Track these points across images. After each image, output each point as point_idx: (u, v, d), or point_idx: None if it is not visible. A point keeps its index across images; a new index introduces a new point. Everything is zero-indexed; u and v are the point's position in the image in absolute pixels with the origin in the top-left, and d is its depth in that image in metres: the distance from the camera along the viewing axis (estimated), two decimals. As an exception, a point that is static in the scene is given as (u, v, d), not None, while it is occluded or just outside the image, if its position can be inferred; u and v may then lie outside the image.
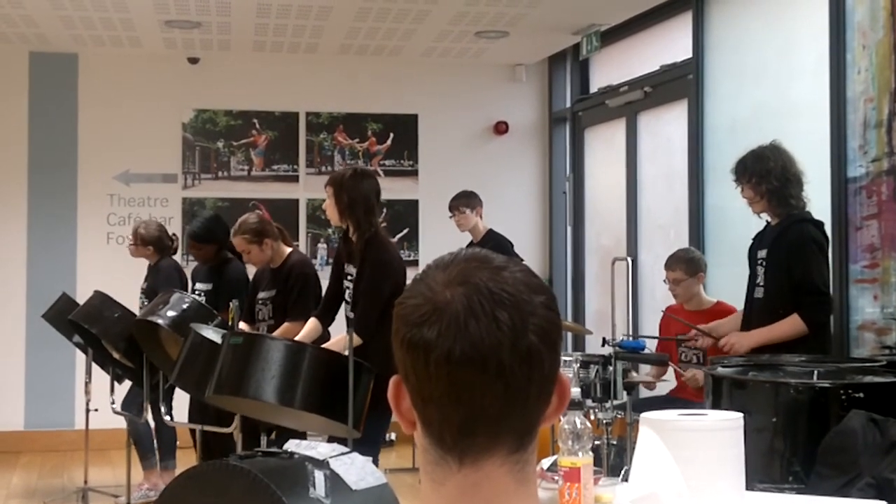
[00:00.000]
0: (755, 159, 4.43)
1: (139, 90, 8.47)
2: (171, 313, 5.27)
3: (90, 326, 5.87)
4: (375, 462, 4.38)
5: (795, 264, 4.31)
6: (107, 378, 6.19)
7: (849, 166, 5.18)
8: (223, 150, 8.63)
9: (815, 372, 3.51)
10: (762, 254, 4.47)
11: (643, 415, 2.44)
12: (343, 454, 3.21)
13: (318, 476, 3.06)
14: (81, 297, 6.40)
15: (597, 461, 2.85)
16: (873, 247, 5.03)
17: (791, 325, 4.26)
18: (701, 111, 6.69)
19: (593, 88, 8.57)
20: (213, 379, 4.19)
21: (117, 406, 6.17)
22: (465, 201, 7.04)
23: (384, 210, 8.73)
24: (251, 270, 5.89)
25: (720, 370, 3.62)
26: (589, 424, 2.27)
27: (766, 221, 4.57)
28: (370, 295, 4.58)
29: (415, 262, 8.40)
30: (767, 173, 4.37)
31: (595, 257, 8.47)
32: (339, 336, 4.60)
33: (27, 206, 8.30)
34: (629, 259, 5.87)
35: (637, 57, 7.77)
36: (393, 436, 8.25)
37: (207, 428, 5.29)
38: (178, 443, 6.55)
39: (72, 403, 8.03)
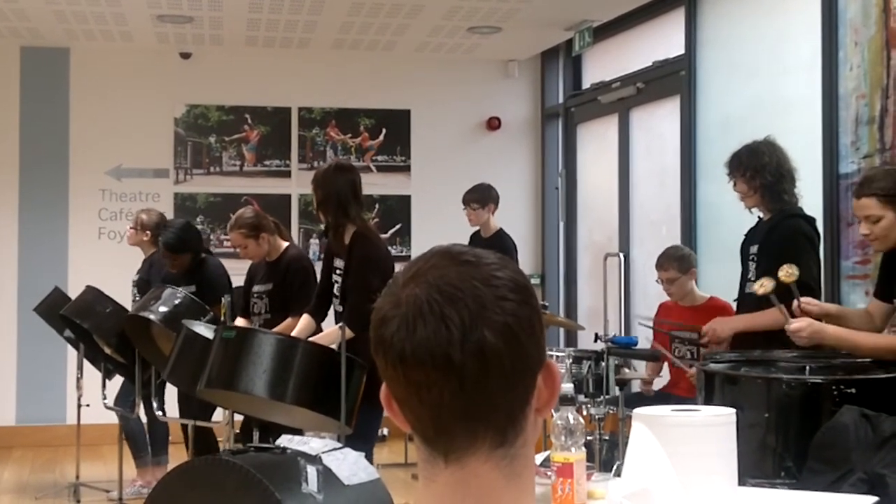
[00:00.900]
0: (750, 154, 4.43)
1: (131, 85, 8.45)
2: (162, 309, 5.27)
3: (82, 321, 5.86)
4: (369, 458, 4.38)
5: (786, 259, 4.31)
6: (98, 373, 6.18)
7: (841, 162, 5.19)
8: (215, 145, 8.62)
9: (808, 367, 3.51)
10: (754, 249, 4.47)
11: (635, 410, 2.44)
12: (335, 449, 3.21)
13: (311, 471, 3.06)
14: (73, 292, 6.38)
15: (589, 457, 2.85)
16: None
17: (774, 315, 4.25)
18: (693, 107, 6.70)
19: (586, 84, 8.57)
20: (205, 373, 4.19)
21: (109, 401, 6.16)
22: (477, 197, 6.97)
23: (376, 205, 8.74)
24: (242, 265, 5.88)
25: (712, 366, 3.63)
26: (581, 420, 2.27)
27: (759, 217, 4.57)
28: (359, 289, 4.59)
29: (407, 258, 8.39)
30: (762, 168, 4.37)
31: (587, 253, 8.47)
32: (330, 329, 4.60)
33: (18, 201, 8.28)
34: (621, 255, 5.90)
35: (629, 53, 7.78)
36: (385, 431, 8.25)
37: (199, 423, 5.29)
38: (170, 438, 6.54)
39: (63, 398, 8.01)
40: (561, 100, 8.87)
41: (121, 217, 8.28)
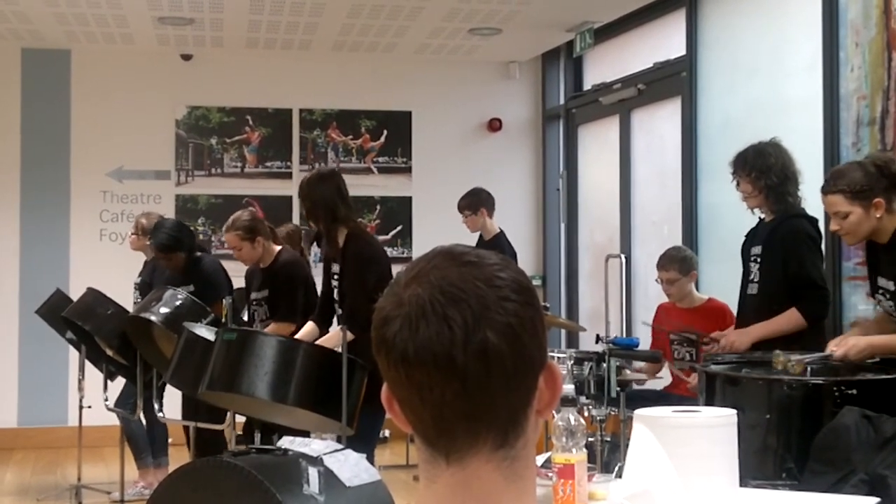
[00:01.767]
0: (756, 154, 4.43)
1: (132, 87, 8.46)
2: (164, 310, 5.27)
3: (83, 323, 5.86)
4: (371, 459, 4.38)
5: (790, 259, 4.32)
6: (100, 375, 6.18)
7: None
8: (216, 146, 8.62)
9: (809, 368, 3.51)
10: (756, 250, 4.47)
11: (637, 411, 2.44)
12: (337, 451, 3.21)
13: (312, 473, 3.06)
14: (74, 294, 6.39)
15: (591, 458, 2.85)
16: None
17: (789, 319, 4.26)
18: (694, 108, 6.70)
19: (587, 86, 8.57)
20: (207, 375, 4.19)
21: (111, 403, 6.17)
22: (467, 203, 6.97)
23: (377, 206, 8.74)
24: (242, 266, 5.89)
25: (713, 367, 3.63)
26: (583, 421, 2.27)
27: (760, 218, 4.57)
28: (355, 289, 4.60)
29: (408, 259, 8.39)
30: (768, 169, 4.37)
31: (588, 254, 8.47)
32: (333, 332, 4.61)
33: (20, 203, 8.29)
34: (623, 256, 5.90)
35: (630, 54, 7.78)
36: (387, 433, 8.25)
37: (201, 425, 5.29)
38: (170, 440, 6.55)
39: (65, 400, 8.02)
40: (562, 101, 8.87)
41: (122, 219, 8.29)
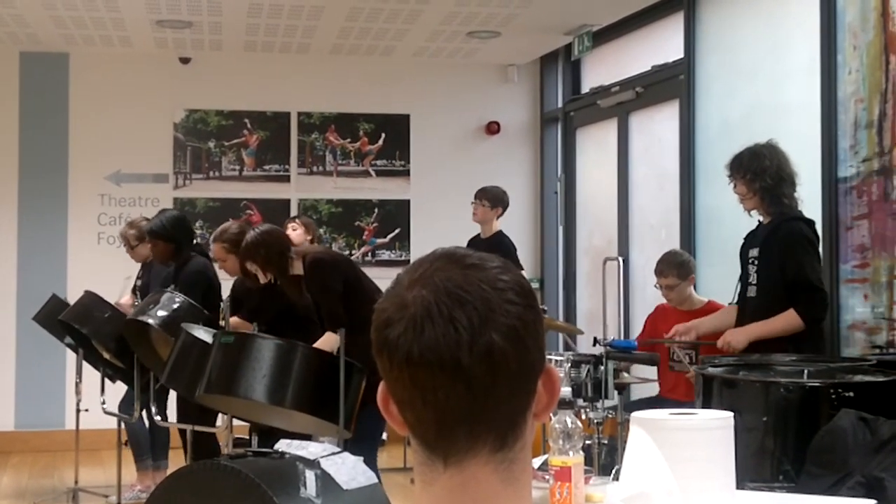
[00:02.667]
0: (751, 156, 4.44)
1: (130, 90, 8.46)
2: (161, 313, 5.26)
3: (80, 327, 5.85)
4: (373, 461, 4.39)
5: (788, 262, 4.32)
6: (98, 378, 6.18)
7: (839, 166, 5.19)
8: (214, 150, 8.62)
9: (806, 371, 3.51)
10: (754, 252, 4.47)
11: (634, 414, 2.44)
12: (334, 454, 3.21)
13: (310, 476, 3.06)
14: (72, 298, 6.38)
15: (588, 460, 2.85)
16: (864, 247, 5.04)
17: (786, 320, 4.26)
18: (692, 111, 6.70)
19: (585, 89, 8.58)
20: (204, 378, 4.19)
21: (108, 406, 6.16)
22: (490, 196, 6.98)
23: (375, 210, 8.75)
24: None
25: (710, 369, 3.63)
26: (580, 424, 2.27)
27: (758, 220, 4.57)
28: (322, 294, 4.76)
29: (405, 262, 8.39)
30: (762, 171, 4.38)
31: (586, 257, 8.47)
32: (327, 335, 4.63)
33: (17, 207, 8.28)
34: (620, 259, 5.90)
35: (629, 57, 7.78)
36: (384, 435, 8.23)
37: (198, 428, 5.28)
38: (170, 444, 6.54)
39: (62, 403, 8.01)
40: (560, 104, 8.87)
41: (120, 222, 8.27)
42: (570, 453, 2.21)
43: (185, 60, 8.51)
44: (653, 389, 5.66)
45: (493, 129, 8.97)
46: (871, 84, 4.99)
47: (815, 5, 5.35)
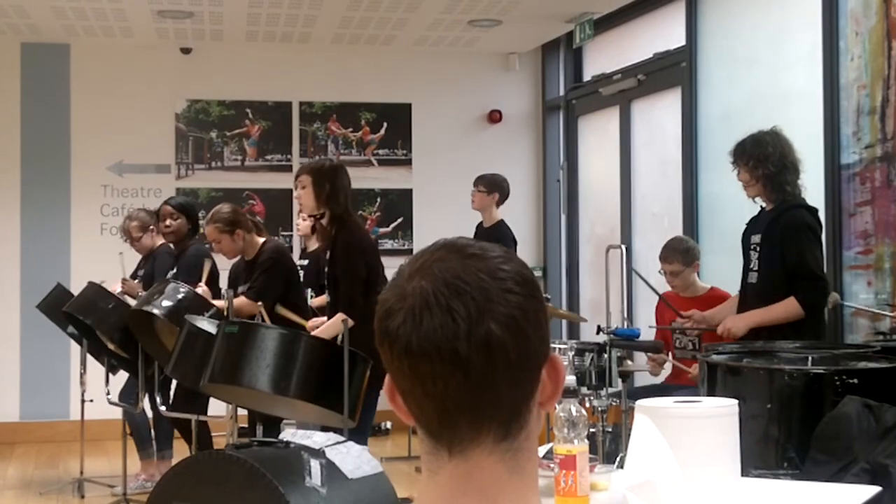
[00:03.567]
0: (754, 143, 4.44)
1: (132, 80, 8.45)
2: (166, 303, 5.27)
3: (84, 318, 5.86)
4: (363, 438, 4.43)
5: (789, 249, 4.32)
6: (102, 369, 6.19)
7: (842, 153, 5.19)
8: (216, 140, 8.62)
9: (810, 358, 3.52)
10: (756, 239, 4.47)
11: (638, 402, 2.44)
12: (339, 443, 3.21)
13: (314, 465, 3.07)
14: (76, 288, 6.39)
15: (592, 449, 2.86)
16: (867, 233, 5.04)
17: (786, 307, 4.27)
18: (694, 99, 6.70)
19: (587, 77, 8.56)
20: (208, 368, 4.19)
21: (113, 396, 6.17)
22: (486, 183, 6.99)
23: (378, 199, 8.75)
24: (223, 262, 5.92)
25: (715, 357, 3.63)
26: (584, 412, 2.27)
27: (760, 207, 4.57)
28: (346, 275, 4.70)
29: (409, 251, 8.39)
30: (765, 158, 4.38)
31: (589, 245, 8.47)
32: (333, 319, 4.64)
33: (20, 198, 8.29)
34: (623, 247, 5.90)
35: (630, 45, 7.77)
36: (388, 424, 8.26)
37: (202, 417, 5.30)
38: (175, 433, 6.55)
39: (67, 394, 8.02)
40: (562, 92, 8.86)
41: (122, 213, 8.27)
42: (575, 441, 2.21)
43: (186, 51, 8.50)
44: (658, 377, 5.66)
45: (495, 117, 8.96)
46: (873, 70, 4.98)
47: (817, -8, 5.34)
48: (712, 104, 6.58)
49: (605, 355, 4.64)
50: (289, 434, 3.32)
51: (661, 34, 7.30)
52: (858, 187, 5.09)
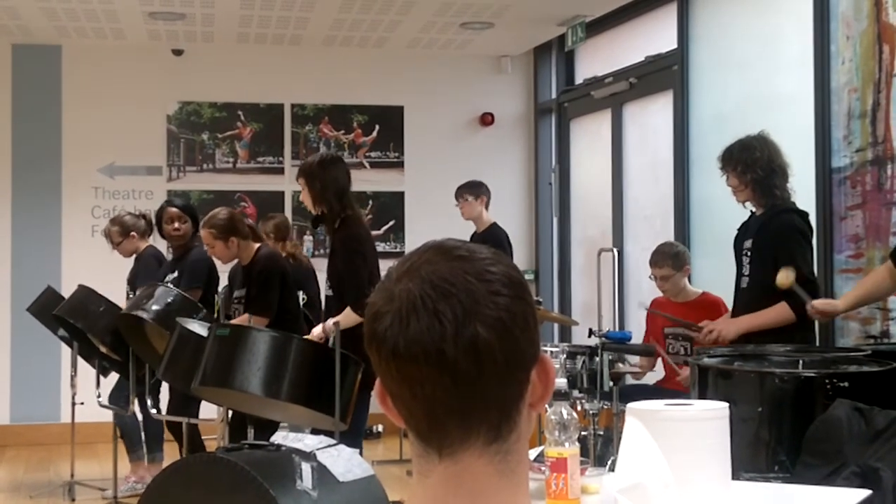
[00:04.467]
0: (742, 148, 4.45)
1: (123, 82, 8.43)
2: (155, 307, 5.26)
3: (75, 321, 5.85)
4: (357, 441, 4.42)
5: (780, 253, 4.33)
6: (93, 371, 6.18)
7: (833, 156, 5.20)
8: (208, 142, 8.61)
9: (801, 361, 3.52)
10: (747, 244, 4.48)
11: (629, 405, 2.44)
12: (330, 446, 3.21)
13: (305, 468, 3.06)
14: (66, 291, 6.37)
15: (583, 451, 2.85)
16: (858, 237, 5.05)
17: (777, 312, 4.27)
18: (686, 102, 6.70)
19: (579, 80, 8.57)
20: (199, 371, 4.18)
21: (104, 399, 6.16)
22: (469, 189, 7.08)
23: (369, 201, 8.74)
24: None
25: (706, 360, 3.63)
26: (575, 415, 2.27)
27: (751, 211, 4.58)
28: (350, 268, 4.68)
29: (400, 254, 8.37)
30: (753, 163, 4.39)
31: (581, 248, 8.48)
32: (347, 310, 4.57)
33: (11, 200, 8.27)
34: (615, 250, 5.89)
35: (622, 48, 7.78)
36: (380, 428, 8.25)
37: (193, 420, 5.29)
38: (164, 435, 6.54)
39: (58, 397, 8.00)
40: (554, 95, 8.87)
41: (114, 215, 8.27)
42: (566, 444, 2.21)
43: (178, 52, 8.49)
44: (648, 379, 5.67)
45: (487, 120, 8.96)
46: (864, 74, 5.00)
47: (809, -5, 5.35)
48: (704, 107, 6.59)
49: (597, 358, 4.64)
50: (280, 437, 3.32)
51: (652, 37, 7.31)
52: (849, 191, 5.11)
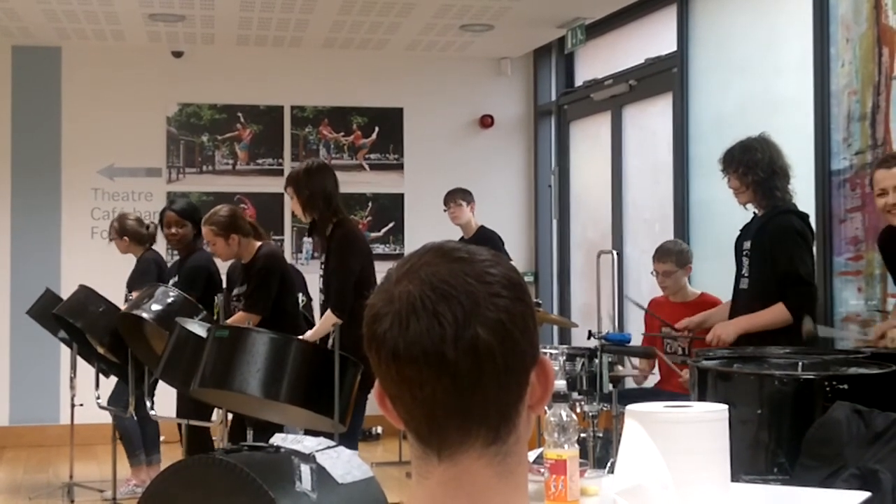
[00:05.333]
0: (743, 150, 4.46)
1: (123, 84, 8.43)
2: (155, 307, 5.26)
3: (75, 321, 5.85)
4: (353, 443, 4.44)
5: (779, 255, 4.33)
6: (92, 373, 6.17)
7: (833, 159, 5.20)
8: (208, 143, 8.61)
9: (800, 364, 3.52)
10: (747, 245, 4.48)
11: (628, 407, 2.44)
12: (329, 448, 3.21)
13: (305, 470, 3.06)
14: (66, 292, 6.37)
15: (583, 453, 2.85)
16: (857, 239, 5.05)
17: (775, 313, 4.28)
18: (686, 104, 6.71)
19: (578, 82, 8.57)
20: (199, 372, 4.18)
21: (103, 401, 6.15)
22: (460, 195, 7.24)
23: (369, 203, 8.74)
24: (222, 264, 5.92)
25: (705, 362, 3.63)
26: (575, 417, 2.27)
27: (753, 213, 4.58)
28: (339, 272, 4.76)
29: (400, 256, 8.35)
30: (754, 164, 4.39)
31: (580, 251, 8.48)
32: (324, 317, 4.68)
33: (10, 201, 8.26)
34: (615, 252, 5.89)
35: (622, 50, 7.78)
36: (379, 429, 8.25)
37: (193, 422, 5.28)
38: (161, 437, 6.54)
39: (57, 398, 8.00)
40: (554, 97, 8.87)
41: (113, 216, 8.27)
42: (566, 446, 2.21)
43: (177, 54, 8.49)
44: (648, 381, 5.67)
45: (486, 122, 8.97)
46: (864, 76, 5.00)
47: (809, -2, 5.36)
48: (704, 110, 6.59)
49: (596, 360, 4.64)
50: (279, 438, 3.32)
51: (652, 40, 7.32)
52: (849, 193, 5.11)
